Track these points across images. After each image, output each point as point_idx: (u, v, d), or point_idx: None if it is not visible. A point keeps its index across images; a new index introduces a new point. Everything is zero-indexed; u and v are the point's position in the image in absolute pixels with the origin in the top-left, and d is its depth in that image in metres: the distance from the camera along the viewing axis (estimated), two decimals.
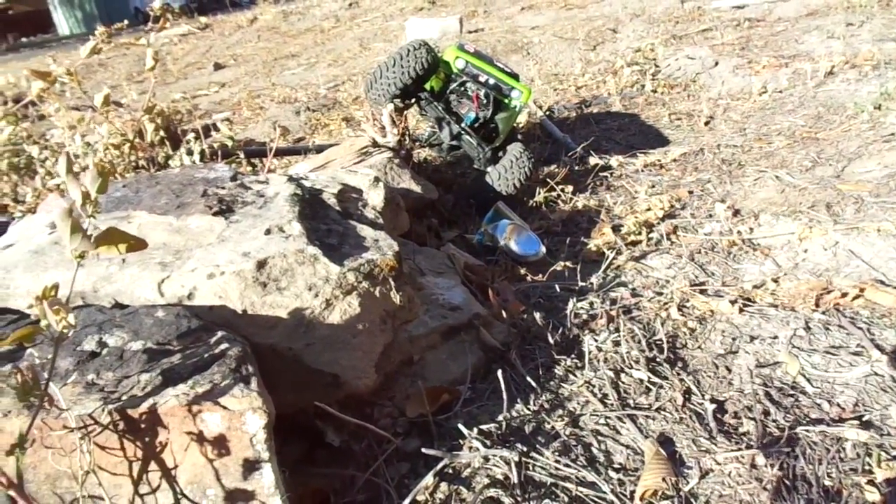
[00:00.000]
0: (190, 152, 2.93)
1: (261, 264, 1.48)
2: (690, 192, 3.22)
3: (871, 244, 2.34)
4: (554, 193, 3.37)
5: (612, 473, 1.51)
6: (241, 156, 3.18)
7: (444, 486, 1.47)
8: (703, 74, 5.28)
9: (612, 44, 6.85)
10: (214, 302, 1.44)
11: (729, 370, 1.84)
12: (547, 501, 1.43)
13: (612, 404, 1.72)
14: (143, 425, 1.17)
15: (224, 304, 1.44)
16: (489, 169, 3.27)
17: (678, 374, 1.83)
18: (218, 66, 9.05)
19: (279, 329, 1.47)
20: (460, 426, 1.62)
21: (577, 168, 3.88)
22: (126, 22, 3.25)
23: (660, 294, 2.28)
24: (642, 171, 3.71)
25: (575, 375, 1.85)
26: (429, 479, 1.46)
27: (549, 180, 3.39)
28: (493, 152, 3.33)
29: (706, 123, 4.43)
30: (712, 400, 1.72)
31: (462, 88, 3.31)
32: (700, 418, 1.66)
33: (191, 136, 3.00)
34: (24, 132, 3.26)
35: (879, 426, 1.58)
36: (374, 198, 2.06)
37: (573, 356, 1.93)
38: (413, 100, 3.31)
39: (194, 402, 1.16)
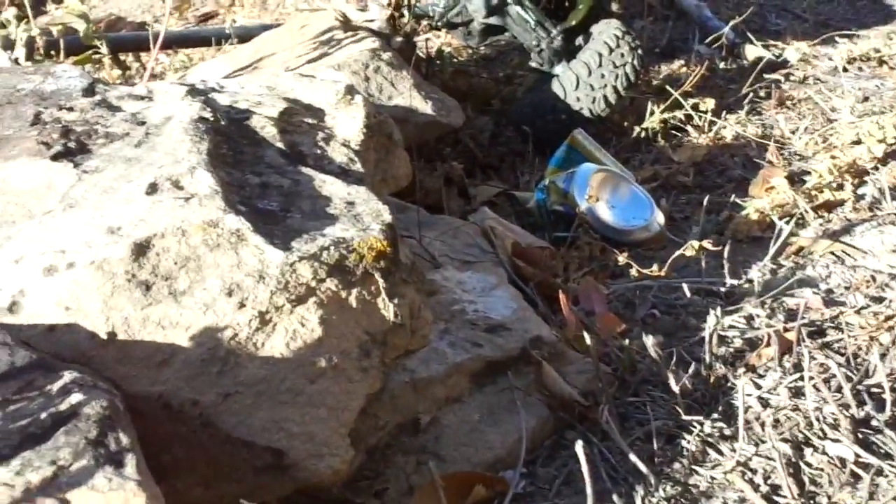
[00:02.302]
0: (8, 44, 2.95)
1: (141, 249, 1.50)
2: None
3: None
4: (680, 114, 3.35)
5: None
6: (103, 49, 3.20)
7: None
8: None
9: None
10: (58, 318, 1.46)
11: None
12: None
13: None
14: None
15: (75, 322, 1.46)
16: (559, 69, 3.26)
17: None
18: None
19: (175, 367, 1.48)
20: None
21: (723, 66, 3.85)
22: None
23: (878, 301, 2.27)
24: (846, 70, 3.67)
25: (720, 451, 1.85)
26: None
27: (670, 89, 3.38)
28: (567, 37, 3.31)
29: None
30: None
31: None
32: None
33: (8, 12, 3.02)
34: None
35: None
36: (346, 125, 2.06)
37: (716, 416, 1.93)
38: None
39: (25, 499, 1.18)
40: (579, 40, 3.33)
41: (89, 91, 1.98)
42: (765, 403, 1.95)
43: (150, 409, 1.47)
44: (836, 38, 3.93)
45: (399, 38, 3.19)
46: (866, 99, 3.38)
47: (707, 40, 3.93)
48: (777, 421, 1.91)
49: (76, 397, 1.33)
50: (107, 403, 1.34)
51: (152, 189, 1.63)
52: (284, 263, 1.54)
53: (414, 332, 1.71)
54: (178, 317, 1.50)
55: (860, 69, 3.67)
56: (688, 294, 2.35)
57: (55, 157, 1.71)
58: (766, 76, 3.65)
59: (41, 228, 1.56)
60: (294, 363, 1.54)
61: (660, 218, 2.72)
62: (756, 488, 1.76)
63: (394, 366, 1.71)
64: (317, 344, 1.55)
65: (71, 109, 1.88)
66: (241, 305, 1.51)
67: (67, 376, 1.37)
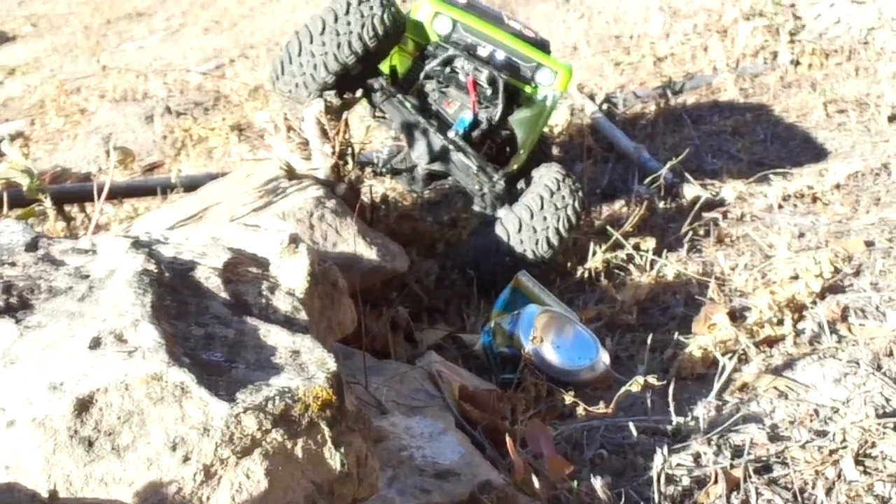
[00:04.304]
0: None
1: (83, 404, 1.48)
2: (869, 245, 3.29)
3: None
4: (622, 254, 3.41)
5: None
6: (47, 202, 3.22)
7: None
8: (880, 31, 5.45)
9: None
10: None
11: None
12: None
13: None
14: None
15: (15, 482, 1.44)
16: (502, 213, 3.31)
17: None
18: (3, 38, 9.23)
19: None
20: None
21: (662, 205, 3.93)
22: None
23: (822, 435, 2.29)
24: (781, 207, 3.77)
25: None
26: None
27: (611, 230, 3.44)
28: (509, 182, 3.38)
29: (892, 119, 4.54)
30: None
31: (448, 70, 3.40)
32: None
33: None
34: None
35: None
36: (291, 274, 2.08)
37: None
38: (360, 92, 3.38)
39: None
40: (521, 184, 3.40)
41: (32, 246, 1.98)
42: None
43: None
44: (771, 177, 4.04)
45: (343, 186, 3.23)
46: (802, 235, 3.47)
47: (646, 181, 4.03)
48: None
49: None
50: None
51: (95, 343, 1.63)
52: (229, 415, 1.53)
53: (361, 480, 1.70)
54: (122, 473, 1.48)
55: (795, 206, 3.77)
56: (635, 433, 2.36)
57: None
58: (704, 215, 3.74)
59: None
60: None
61: (605, 357, 2.75)
62: None
63: None
64: (263, 496, 1.54)
65: (13, 265, 1.88)
66: (186, 459, 1.50)
67: None
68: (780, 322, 2.82)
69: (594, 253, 3.36)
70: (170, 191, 3.82)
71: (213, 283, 1.95)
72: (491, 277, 3.21)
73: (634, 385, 2.51)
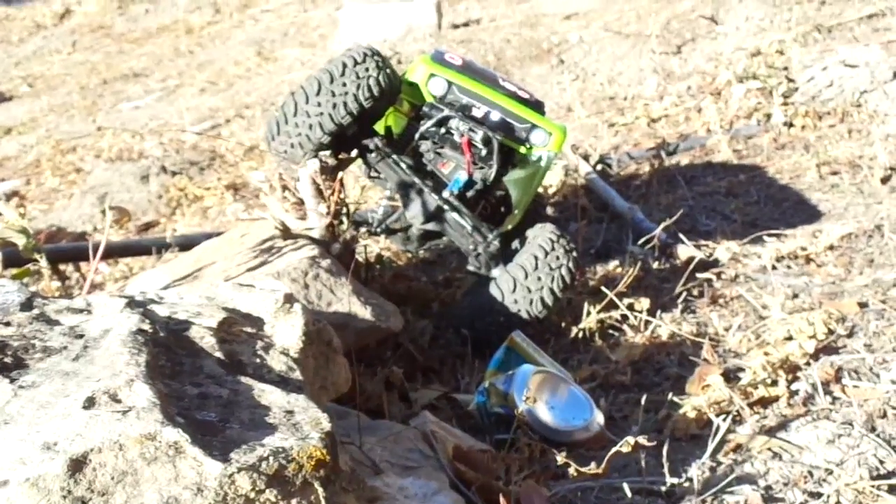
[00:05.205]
0: None
1: (77, 464, 1.49)
2: (863, 306, 3.31)
3: None
4: (616, 313, 3.42)
5: None
6: (42, 262, 3.23)
7: None
8: (873, 93, 5.52)
9: (711, 42, 7.17)
10: None
11: None
12: None
13: None
14: None
15: None
16: (496, 272, 3.33)
17: None
18: (1, 98, 9.30)
19: None
20: None
21: (656, 266, 3.95)
22: None
23: (816, 496, 2.29)
24: (774, 268, 3.79)
25: None
26: None
27: (606, 290, 3.46)
28: (503, 241, 3.41)
29: (884, 180, 4.57)
30: None
31: (443, 131, 3.44)
32: None
33: None
34: None
35: None
36: (286, 333, 2.09)
37: None
38: (355, 152, 3.42)
39: None
40: (515, 244, 3.43)
41: (27, 305, 2.00)
42: None
43: None
44: (765, 238, 4.07)
45: (338, 245, 3.25)
46: (796, 296, 3.49)
47: (640, 241, 4.06)
48: None
49: None
50: None
51: (90, 403, 1.64)
52: (223, 475, 1.54)
53: None
54: None
55: (788, 267, 3.79)
56: (629, 494, 2.36)
57: None
58: (698, 275, 3.76)
59: None
60: None
61: (599, 418, 2.75)
62: None
63: None
64: None
65: (8, 324, 1.90)
66: None
67: None
68: (774, 383, 2.83)
69: (588, 313, 3.38)
70: (165, 250, 3.84)
71: (208, 342, 1.97)
72: (485, 337, 3.23)
73: (627, 446, 2.52)
